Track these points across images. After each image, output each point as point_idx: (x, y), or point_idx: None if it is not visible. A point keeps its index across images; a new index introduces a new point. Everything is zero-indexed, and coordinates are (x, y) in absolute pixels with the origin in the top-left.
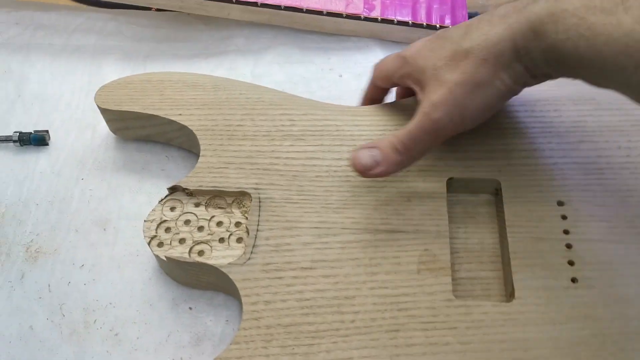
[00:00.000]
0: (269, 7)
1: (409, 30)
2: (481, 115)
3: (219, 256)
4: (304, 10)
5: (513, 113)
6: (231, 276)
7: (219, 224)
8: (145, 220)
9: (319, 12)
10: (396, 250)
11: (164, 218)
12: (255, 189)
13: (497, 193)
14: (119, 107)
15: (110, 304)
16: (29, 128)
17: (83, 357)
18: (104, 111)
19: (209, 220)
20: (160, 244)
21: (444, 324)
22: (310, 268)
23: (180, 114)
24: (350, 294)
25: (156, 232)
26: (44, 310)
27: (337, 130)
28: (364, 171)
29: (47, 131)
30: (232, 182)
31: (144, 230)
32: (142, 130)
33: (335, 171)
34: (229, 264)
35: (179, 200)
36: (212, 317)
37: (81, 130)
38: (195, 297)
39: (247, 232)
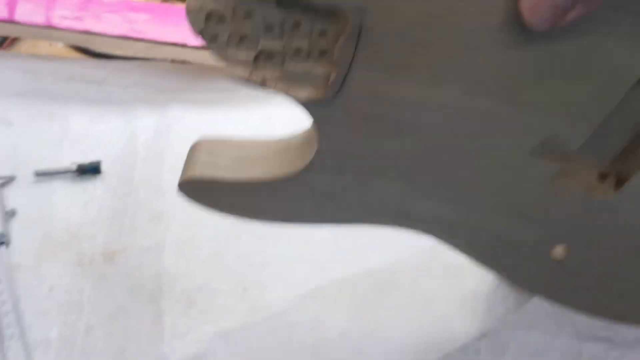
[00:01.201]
0: None
1: None
2: None
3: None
4: None
5: None
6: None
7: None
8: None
9: None
10: None
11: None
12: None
13: None
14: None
15: (177, 273)
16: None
17: (162, 316)
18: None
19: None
20: (214, 38)
21: None
22: None
23: None
24: None
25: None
26: (126, 291)
27: None
28: (554, 16)
29: (100, 161)
30: None
31: (190, 21)
32: None
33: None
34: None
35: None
36: None
37: (125, 158)
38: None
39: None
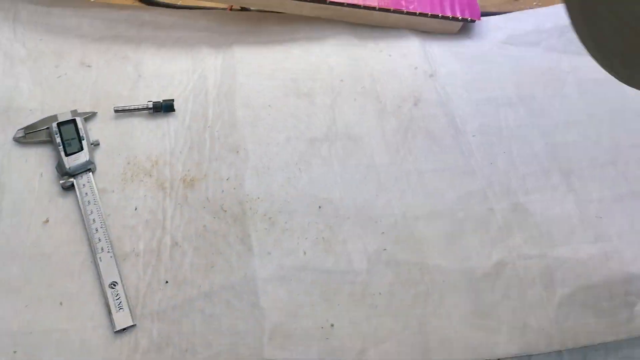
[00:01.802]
0: (334, 5)
1: (438, 22)
2: None
3: None
4: (362, 6)
5: None
6: None
7: None
8: None
9: (372, 8)
10: None
11: None
12: None
13: None
14: None
15: (259, 198)
16: (153, 100)
17: (249, 235)
18: None
19: None
20: None
21: None
22: None
23: None
24: None
25: None
26: (209, 213)
27: None
28: None
29: (173, 100)
30: None
31: None
32: None
33: None
34: None
35: None
36: None
37: (196, 97)
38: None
39: None
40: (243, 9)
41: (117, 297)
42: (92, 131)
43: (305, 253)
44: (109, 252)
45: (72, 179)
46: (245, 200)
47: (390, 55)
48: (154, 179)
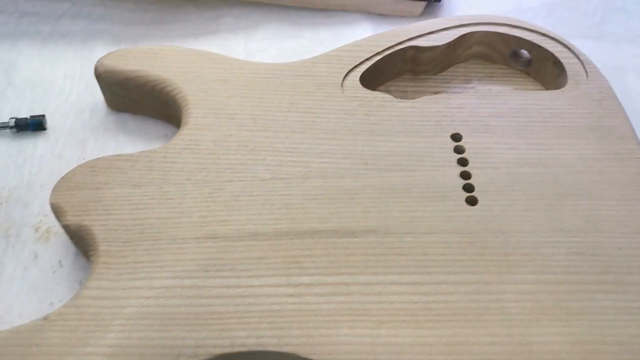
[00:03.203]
0: None
1: (396, 2)
2: None
3: None
4: None
5: None
6: None
7: None
8: None
9: None
10: None
11: None
12: None
13: None
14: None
15: None
16: (23, 114)
17: None
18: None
19: None
20: None
21: None
22: None
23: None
24: None
25: None
26: (61, 287)
27: None
28: None
29: (43, 116)
30: None
31: None
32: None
33: None
34: None
35: None
36: None
37: (79, 113)
38: None
39: None
40: None
41: None
42: None
43: None
44: None
45: None
46: None
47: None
48: None
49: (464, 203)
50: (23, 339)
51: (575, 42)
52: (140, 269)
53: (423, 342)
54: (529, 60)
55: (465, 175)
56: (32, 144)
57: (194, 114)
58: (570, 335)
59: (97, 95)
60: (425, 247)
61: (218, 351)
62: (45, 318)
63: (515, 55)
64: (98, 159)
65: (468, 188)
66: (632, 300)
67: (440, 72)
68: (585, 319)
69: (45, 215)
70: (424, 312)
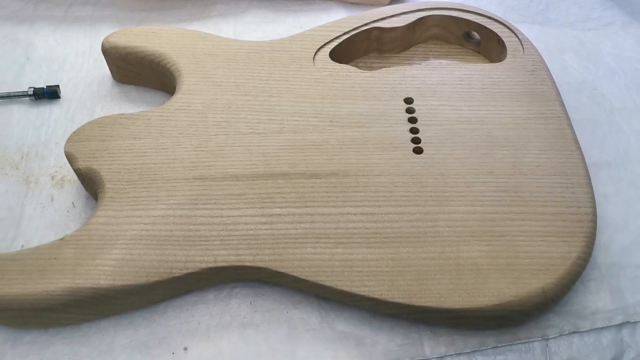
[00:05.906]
0: None
1: None
2: None
3: None
4: None
5: None
6: None
7: None
8: None
9: None
10: None
11: None
12: None
13: None
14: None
15: None
16: (40, 85)
17: None
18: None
19: None
20: None
21: None
22: None
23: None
24: None
25: None
26: (74, 223)
27: None
28: None
29: (58, 85)
30: None
31: None
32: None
33: None
34: None
35: None
36: None
37: (88, 84)
38: None
39: None
40: None
41: None
42: None
43: None
44: None
45: None
46: None
47: None
48: (21, 172)
49: (412, 152)
50: (44, 254)
51: (523, 27)
52: (140, 202)
53: (372, 258)
54: (479, 42)
55: (414, 131)
56: (48, 110)
57: (186, 82)
58: (491, 252)
59: (103, 70)
60: (377, 186)
61: (204, 265)
62: (62, 239)
63: (468, 36)
64: (104, 116)
65: (416, 140)
66: (543, 226)
67: (403, 51)
68: (504, 240)
69: (60, 167)
70: (374, 235)
